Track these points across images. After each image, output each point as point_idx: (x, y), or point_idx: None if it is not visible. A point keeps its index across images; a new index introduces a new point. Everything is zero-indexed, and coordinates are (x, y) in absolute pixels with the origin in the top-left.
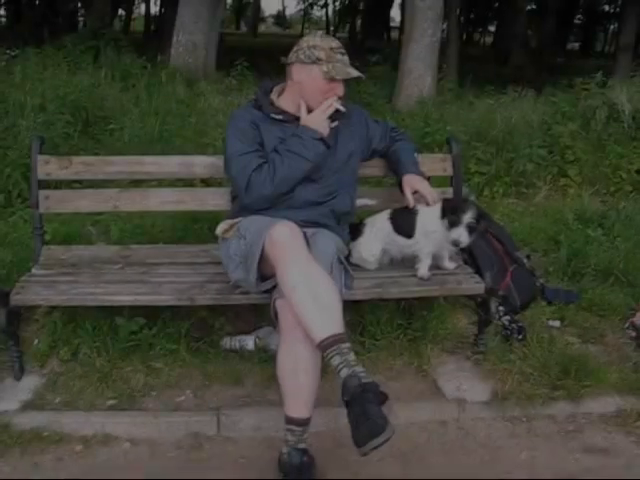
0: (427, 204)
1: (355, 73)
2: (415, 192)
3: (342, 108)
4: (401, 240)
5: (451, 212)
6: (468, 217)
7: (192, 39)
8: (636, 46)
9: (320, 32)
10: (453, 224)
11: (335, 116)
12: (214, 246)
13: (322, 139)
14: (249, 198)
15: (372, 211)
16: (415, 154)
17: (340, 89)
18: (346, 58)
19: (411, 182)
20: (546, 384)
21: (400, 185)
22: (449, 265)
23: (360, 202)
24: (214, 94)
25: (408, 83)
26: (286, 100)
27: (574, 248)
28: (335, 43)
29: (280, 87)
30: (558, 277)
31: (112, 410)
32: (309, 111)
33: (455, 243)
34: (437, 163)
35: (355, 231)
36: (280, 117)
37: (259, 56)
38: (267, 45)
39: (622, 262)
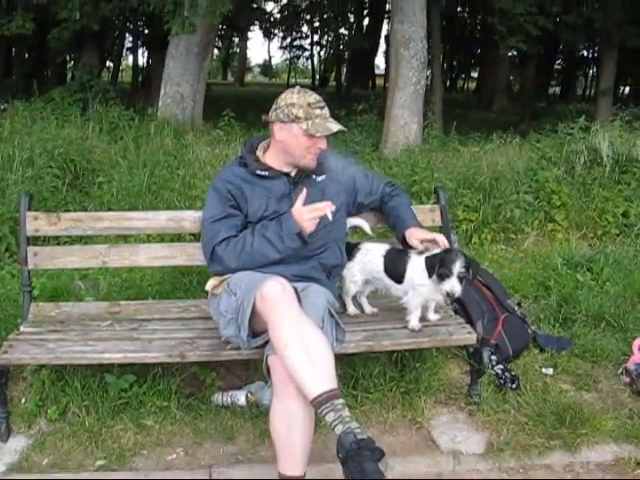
0: (442, 246)
1: (335, 127)
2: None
3: (330, 217)
4: (388, 281)
5: (440, 264)
6: (458, 267)
7: (179, 90)
8: (615, 89)
9: (297, 88)
10: (444, 276)
11: (322, 169)
12: (204, 301)
13: (301, 236)
14: (212, 268)
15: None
16: (411, 207)
17: (323, 143)
18: (326, 112)
19: (415, 234)
20: (542, 433)
21: (403, 240)
22: (433, 317)
23: (353, 221)
24: (202, 146)
25: (394, 131)
26: (271, 156)
27: (564, 294)
28: (313, 98)
29: (265, 143)
30: (549, 323)
31: (101, 471)
32: (299, 171)
33: (449, 295)
34: (426, 214)
35: (348, 252)
36: (265, 173)
37: (246, 106)
38: (254, 95)
39: (612, 306)
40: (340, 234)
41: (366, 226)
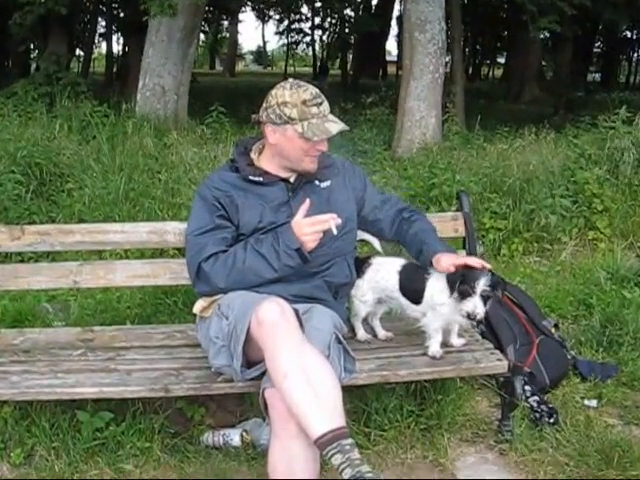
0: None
1: (335, 129)
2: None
3: (335, 231)
4: (404, 301)
5: (461, 281)
6: (482, 285)
7: (160, 82)
8: None
9: (290, 82)
10: (465, 295)
11: (327, 173)
12: (191, 326)
13: (301, 252)
14: (199, 288)
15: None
16: (436, 232)
17: (322, 145)
18: (324, 109)
19: (444, 259)
20: (585, 475)
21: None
22: (456, 342)
23: (361, 235)
24: (187, 146)
25: (409, 126)
26: (266, 159)
27: (608, 313)
28: (308, 94)
29: (260, 144)
30: (592, 348)
31: None
32: (299, 176)
33: (470, 316)
34: (447, 222)
35: (357, 268)
36: (260, 179)
37: (237, 99)
38: (246, 86)
39: None
40: (349, 248)
41: (375, 242)
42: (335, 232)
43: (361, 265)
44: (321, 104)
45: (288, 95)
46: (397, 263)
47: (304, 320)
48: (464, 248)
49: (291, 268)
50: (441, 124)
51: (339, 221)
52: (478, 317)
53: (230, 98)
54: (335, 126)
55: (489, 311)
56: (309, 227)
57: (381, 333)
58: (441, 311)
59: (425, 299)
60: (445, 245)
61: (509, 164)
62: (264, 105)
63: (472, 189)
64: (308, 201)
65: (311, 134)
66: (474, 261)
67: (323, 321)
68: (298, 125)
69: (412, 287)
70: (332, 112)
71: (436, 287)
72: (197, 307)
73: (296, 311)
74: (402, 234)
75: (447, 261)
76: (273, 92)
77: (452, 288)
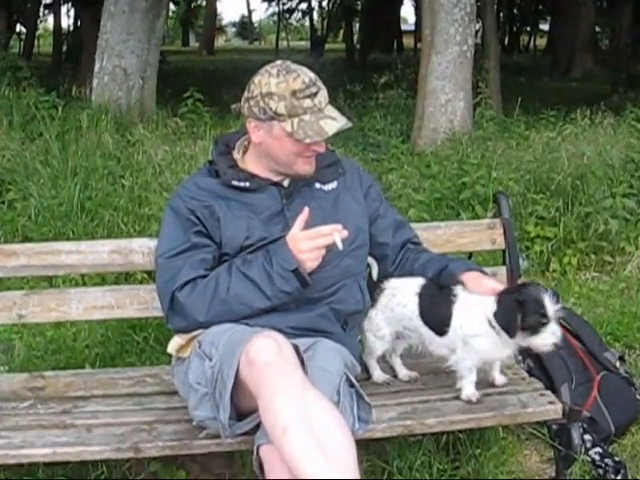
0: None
1: (333, 128)
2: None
3: (340, 246)
4: (426, 333)
5: (524, 310)
6: (553, 307)
7: (122, 64)
8: None
9: (277, 67)
10: (537, 326)
11: (331, 173)
12: (166, 368)
13: (298, 274)
14: (173, 324)
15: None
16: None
17: (319, 146)
18: (320, 100)
19: (482, 282)
20: None
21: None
22: (499, 380)
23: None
24: (156, 143)
25: (432, 112)
26: (253, 160)
27: None
28: (299, 82)
29: (245, 140)
30: None
31: None
32: (290, 188)
33: (557, 346)
34: (482, 232)
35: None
36: (246, 184)
37: (218, 83)
38: (229, 66)
39: None
40: (360, 267)
41: (375, 267)
42: (341, 247)
43: (372, 291)
44: (316, 94)
45: (274, 84)
46: (415, 284)
47: (306, 358)
48: (504, 264)
49: (288, 294)
50: (472, 109)
51: (345, 233)
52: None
53: (209, 82)
54: (333, 124)
55: None
56: (308, 242)
57: (403, 373)
58: (476, 346)
59: (452, 329)
60: (468, 263)
61: (558, 157)
62: (245, 95)
63: (512, 189)
64: (306, 209)
65: (302, 134)
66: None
67: (330, 359)
68: (287, 123)
69: (435, 313)
70: (334, 100)
71: (466, 314)
72: (173, 345)
73: (296, 347)
74: (407, 265)
75: (489, 283)
76: (256, 79)
77: (511, 325)
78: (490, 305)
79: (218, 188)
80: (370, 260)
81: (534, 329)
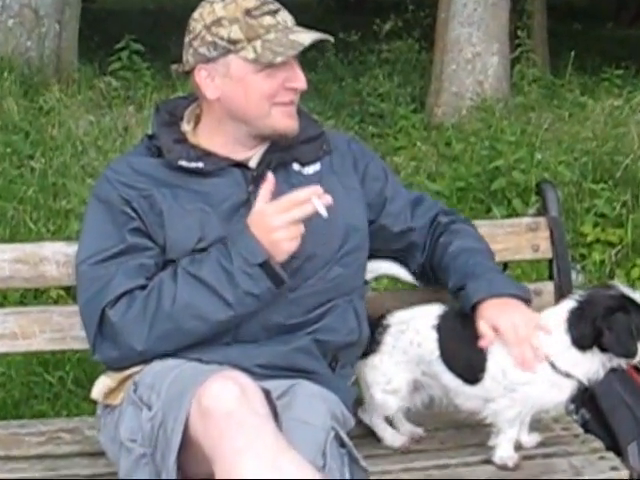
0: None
1: (308, 38)
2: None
3: (324, 212)
4: (452, 382)
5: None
6: None
7: (31, 3)
8: None
9: None
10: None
11: (313, 151)
12: (89, 421)
13: (269, 267)
14: (101, 354)
15: (402, 299)
16: (492, 256)
17: (297, 77)
18: (284, 18)
19: (493, 315)
20: None
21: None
22: (528, 440)
23: (381, 267)
24: (78, 111)
25: (455, 72)
26: (208, 131)
27: None
28: (252, 0)
29: (197, 107)
30: None
31: None
32: (264, 157)
33: None
34: (521, 235)
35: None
36: (199, 166)
37: (164, 29)
38: (179, 5)
39: None
40: (355, 281)
41: (402, 272)
42: (325, 214)
43: (373, 328)
44: (277, 12)
45: (220, 9)
46: (431, 314)
47: (281, 407)
48: (550, 278)
49: (256, 299)
50: (509, 66)
51: (329, 199)
52: None
53: (152, 27)
54: (308, 35)
55: (597, 386)
56: (280, 216)
57: (404, 427)
58: (528, 394)
59: (490, 376)
60: (502, 282)
61: (625, 132)
62: (187, 40)
63: (563, 177)
64: (271, 176)
65: (270, 55)
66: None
67: (313, 409)
68: (248, 49)
69: (463, 354)
70: (321, 54)
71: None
72: (99, 389)
73: (267, 393)
74: (435, 251)
75: (492, 318)
76: (196, 14)
77: (633, 347)
78: (549, 339)
79: (160, 171)
80: (391, 266)
81: (629, 352)
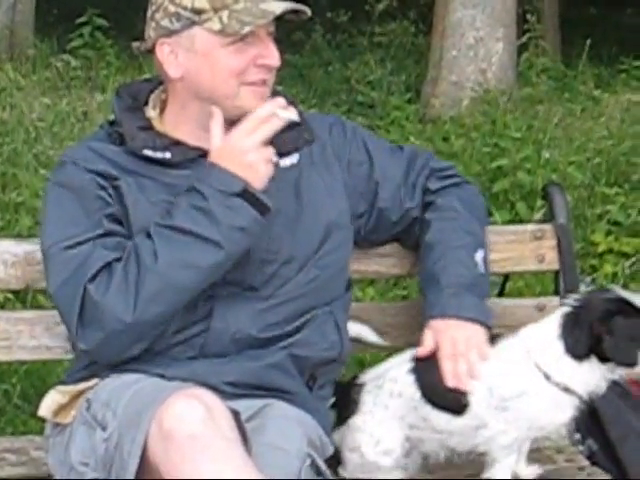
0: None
1: (280, 6)
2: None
3: (295, 116)
4: (441, 419)
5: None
6: None
7: None
8: None
9: None
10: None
11: (291, 139)
12: (36, 441)
13: (248, 194)
14: (87, 341)
15: (378, 356)
16: (477, 248)
17: (269, 52)
18: None
19: (439, 328)
20: None
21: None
22: (527, 472)
23: (353, 330)
24: (32, 93)
25: (455, 58)
26: (174, 117)
27: None
28: None
29: (162, 92)
30: None
31: None
32: (225, 116)
33: None
34: (525, 243)
35: (343, 401)
36: (166, 156)
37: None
38: None
39: None
40: (335, 289)
41: (368, 332)
42: (297, 118)
43: (346, 395)
44: None
45: None
46: (405, 360)
47: (251, 431)
48: (556, 292)
49: (244, 232)
50: (516, 54)
51: (294, 113)
52: None
53: (115, 1)
54: (280, 4)
55: (605, 413)
56: (247, 138)
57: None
58: (522, 410)
59: (476, 398)
60: (466, 301)
61: None
62: (148, 13)
63: (573, 179)
64: (218, 116)
65: (237, 25)
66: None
67: (287, 433)
68: (213, 20)
69: (442, 385)
70: (307, 35)
71: (496, 368)
72: (48, 405)
73: (236, 414)
74: (413, 226)
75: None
76: None
77: (634, 355)
78: (540, 346)
79: (124, 159)
80: (359, 327)
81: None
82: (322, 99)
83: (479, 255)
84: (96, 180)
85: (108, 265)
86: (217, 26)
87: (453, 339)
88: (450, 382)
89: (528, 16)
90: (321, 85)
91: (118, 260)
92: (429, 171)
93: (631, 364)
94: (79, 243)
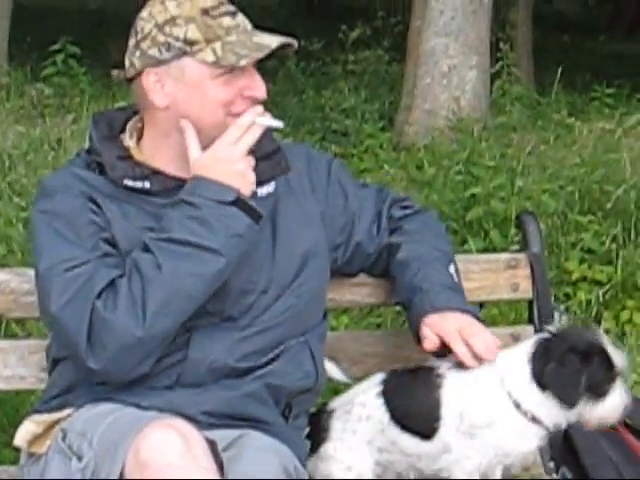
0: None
1: (275, 40)
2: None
3: (279, 123)
4: (409, 442)
5: (590, 364)
6: (622, 357)
7: None
8: None
9: None
10: (605, 386)
11: (269, 168)
12: (11, 470)
13: (240, 202)
14: (99, 357)
15: (363, 340)
16: (449, 262)
17: (256, 84)
18: (244, 22)
19: (436, 322)
20: None
21: (417, 330)
22: None
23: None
24: (6, 121)
25: (429, 86)
26: (154, 146)
27: None
28: (209, 0)
29: (139, 121)
30: None
31: None
32: (205, 144)
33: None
34: (500, 272)
35: (314, 429)
36: (145, 186)
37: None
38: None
39: None
40: (311, 318)
41: (333, 369)
42: (279, 125)
43: (316, 424)
44: (235, 14)
45: (174, 7)
46: (374, 383)
47: (227, 460)
48: (530, 321)
49: (242, 239)
50: (489, 81)
51: (275, 121)
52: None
53: (90, 28)
54: (274, 38)
55: (579, 442)
56: (233, 147)
57: None
58: (491, 439)
59: (445, 423)
60: (455, 295)
61: (617, 159)
62: (132, 42)
63: (547, 207)
64: (190, 129)
65: (233, 57)
66: (483, 343)
67: (263, 462)
68: (206, 51)
69: (414, 408)
70: (281, 63)
71: (467, 395)
72: (23, 435)
73: (212, 443)
74: (383, 252)
75: (438, 327)
76: (144, 13)
77: (574, 393)
78: (510, 375)
79: (106, 187)
80: (325, 365)
81: (598, 393)
82: (296, 127)
83: (452, 268)
84: (87, 205)
85: (112, 282)
86: (210, 57)
87: (455, 326)
88: (470, 362)
89: (501, 44)
90: (295, 113)
91: (121, 277)
92: (391, 201)
93: (565, 403)
94: (80, 264)
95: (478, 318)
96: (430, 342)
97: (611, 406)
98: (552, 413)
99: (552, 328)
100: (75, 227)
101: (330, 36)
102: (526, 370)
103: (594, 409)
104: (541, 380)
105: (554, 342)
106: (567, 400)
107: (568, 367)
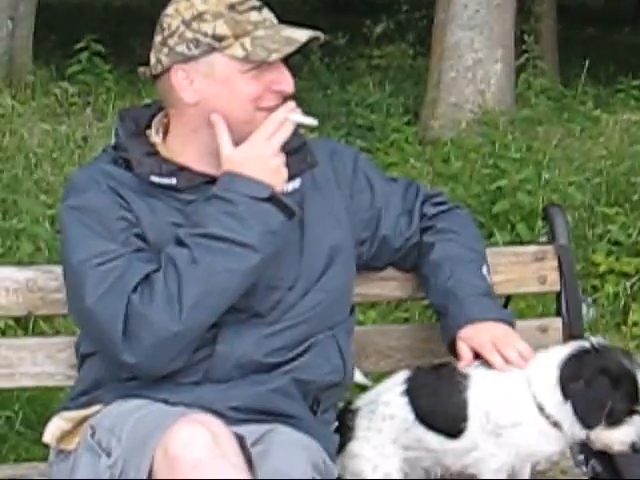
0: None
1: (304, 34)
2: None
3: (313, 121)
4: (435, 440)
5: (618, 390)
6: None
7: None
8: None
9: None
10: (626, 414)
11: (295, 164)
12: (41, 467)
13: (275, 199)
14: (136, 351)
15: (390, 335)
16: (483, 264)
17: (285, 78)
18: (270, 16)
19: (474, 337)
20: None
21: (451, 342)
22: None
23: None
24: (31, 119)
25: (454, 80)
26: (181, 142)
27: None
28: None
29: (164, 117)
30: None
31: None
32: (234, 140)
33: (636, 448)
34: (526, 265)
35: (341, 427)
36: (172, 182)
37: (128, 28)
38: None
39: None
40: (339, 313)
41: (356, 373)
42: (315, 123)
43: (341, 422)
44: (261, 9)
45: (200, 3)
46: (398, 382)
47: (256, 456)
48: (558, 314)
49: (275, 236)
50: (514, 75)
51: (308, 118)
52: None
53: (115, 26)
54: (302, 32)
55: None
56: (269, 143)
57: None
58: (515, 439)
59: (473, 423)
60: (488, 305)
61: None
62: (158, 38)
63: (573, 199)
64: (222, 123)
65: (263, 52)
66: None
67: (292, 457)
68: (234, 46)
69: (440, 407)
70: (305, 58)
71: (493, 396)
72: (52, 432)
73: (241, 439)
74: (416, 251)
75: (473, 341)
76: (169, 10)
77: (596, 416)
78: (537, 378)
79: (134, 182)
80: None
81: (614, 421)
82: (321, 122)
83: (485, 269)
84: (117, 201)
85: (147, 277)
86: (240, 53)
87: (490, 337)
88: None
89: (526, 37)
90: (320, 108)
91: (156, 271)
92: (423, 198)
93: (586, 424)
94: (114, 258)
95: (511, 324)
96: (466, 361)
97: (621, 436)
98: (571, 422)
99: (595, 340)
100: (106, 222)
101: (354, 31)
102: (554, 375)
103: (603, 434)
104: (566, 391)
105: (589, 357)
106: (586, 421)
107: (595, 389)
